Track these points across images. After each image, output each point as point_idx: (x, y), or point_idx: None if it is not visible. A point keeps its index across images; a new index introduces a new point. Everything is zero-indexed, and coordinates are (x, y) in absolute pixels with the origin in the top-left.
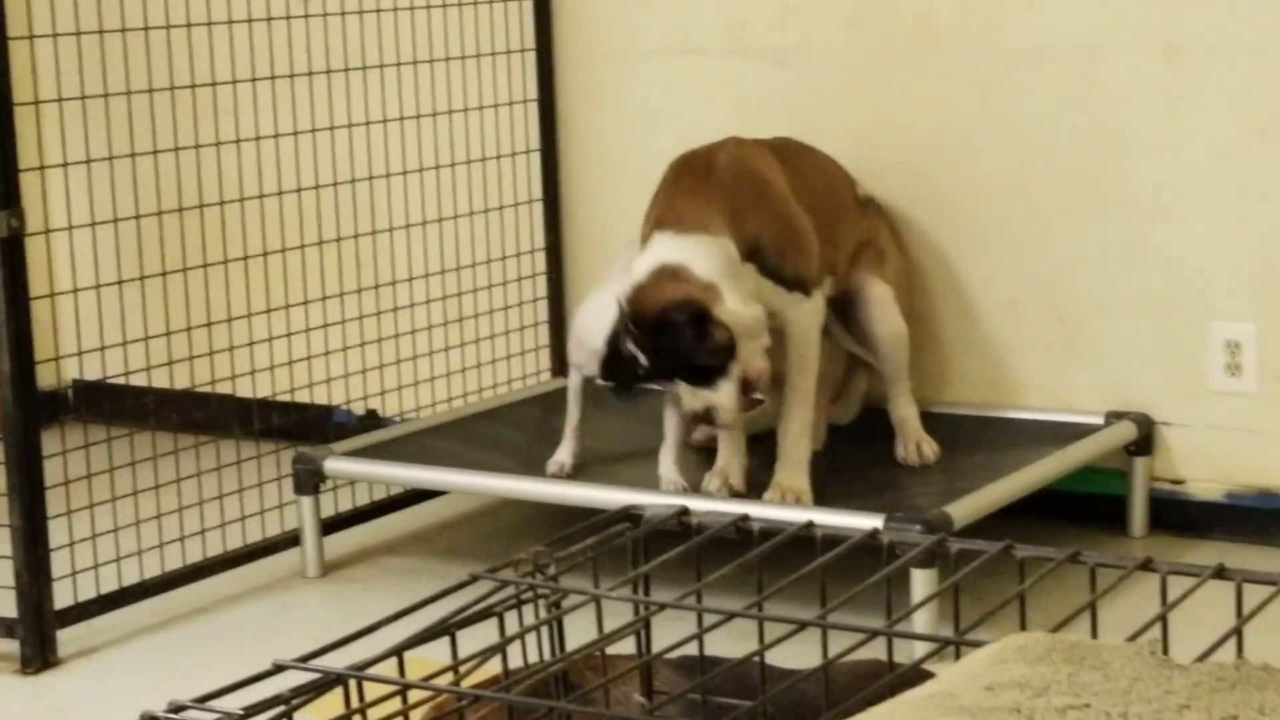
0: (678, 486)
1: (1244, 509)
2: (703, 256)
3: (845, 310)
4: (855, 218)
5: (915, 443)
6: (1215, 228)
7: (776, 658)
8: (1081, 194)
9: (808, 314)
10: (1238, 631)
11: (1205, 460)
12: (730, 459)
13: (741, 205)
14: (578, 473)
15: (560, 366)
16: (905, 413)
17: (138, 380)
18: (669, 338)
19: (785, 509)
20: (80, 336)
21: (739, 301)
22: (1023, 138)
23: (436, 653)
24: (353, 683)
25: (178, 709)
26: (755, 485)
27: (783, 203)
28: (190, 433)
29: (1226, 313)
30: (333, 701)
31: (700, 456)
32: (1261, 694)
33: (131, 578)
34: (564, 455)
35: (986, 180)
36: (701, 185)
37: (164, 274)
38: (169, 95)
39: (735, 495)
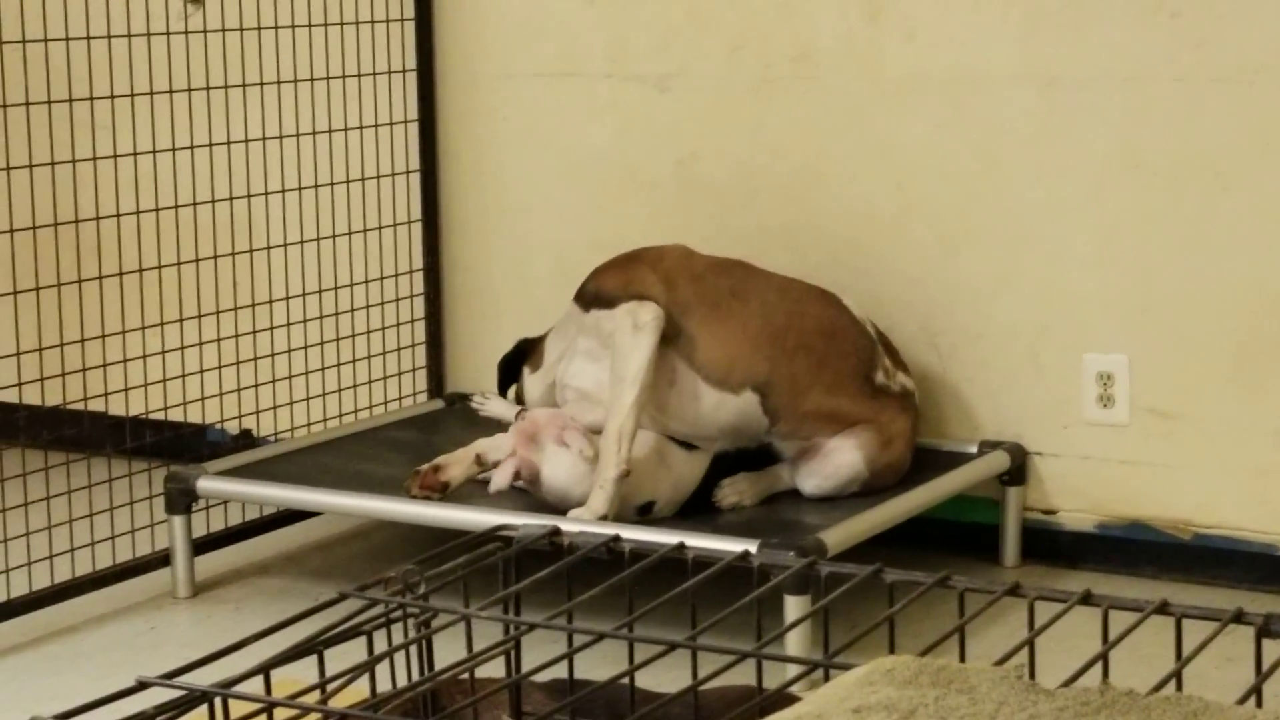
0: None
1: (1114, 539)
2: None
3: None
4: (845, 382)
5: (742, 493)
6: (1089, 259)
7: (646, 680)
8: (957, 223)
9: (618, 321)
10: (1104, 657)
11: (1077, 491)
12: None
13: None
14: (452, 494)
15: (436, 387)
16: (779, 475)
17: (8, 396)
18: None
19: (654, 531)
20: None
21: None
22: (900, 166)
23: (304, 672)
24: (218, 700)
25: None
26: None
27: (634, 254)
28: (61, 450)
29: (1100, 344)
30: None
31: None
32: (1125, 719)
33: None
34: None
35: (863, 207)
36: None
37: (37, 289)
38: (45, 109)
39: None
